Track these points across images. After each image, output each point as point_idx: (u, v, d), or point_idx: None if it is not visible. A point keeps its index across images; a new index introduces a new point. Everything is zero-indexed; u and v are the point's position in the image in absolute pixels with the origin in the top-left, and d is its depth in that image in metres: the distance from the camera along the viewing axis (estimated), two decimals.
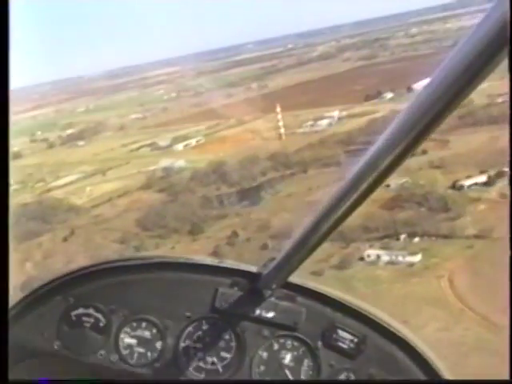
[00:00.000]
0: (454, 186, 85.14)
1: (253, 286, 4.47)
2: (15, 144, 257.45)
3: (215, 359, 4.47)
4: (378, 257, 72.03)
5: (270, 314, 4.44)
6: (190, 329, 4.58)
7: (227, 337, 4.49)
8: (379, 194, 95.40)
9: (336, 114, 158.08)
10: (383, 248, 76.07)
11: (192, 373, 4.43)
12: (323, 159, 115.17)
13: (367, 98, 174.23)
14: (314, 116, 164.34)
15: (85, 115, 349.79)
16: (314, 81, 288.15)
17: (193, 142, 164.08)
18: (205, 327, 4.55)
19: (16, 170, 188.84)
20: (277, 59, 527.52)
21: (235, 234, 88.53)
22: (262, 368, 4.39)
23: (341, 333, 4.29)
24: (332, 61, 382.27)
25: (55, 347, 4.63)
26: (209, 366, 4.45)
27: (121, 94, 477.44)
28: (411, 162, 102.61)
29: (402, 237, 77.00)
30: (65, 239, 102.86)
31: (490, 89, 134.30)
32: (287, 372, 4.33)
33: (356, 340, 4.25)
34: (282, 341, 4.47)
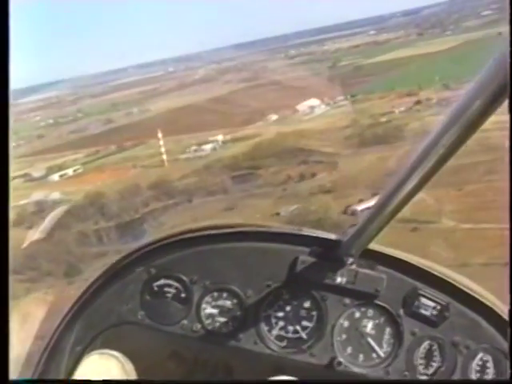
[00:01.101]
0: (347, 211, 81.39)
1: (333, 254, 4.39)
2: None
3: (297, 327, 4.52)
4: None
5: (351, 282, 4.37)
6: (270, 298, 4.61)
7: (308, 305, 4.54)
8: (268, 221, 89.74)
9: (220, 137, 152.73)
10: None
11: (273, 341, 4.54)
12: (208, 186, 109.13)
13: (251, 121, 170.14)
14: (198, 140, 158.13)
15: None
16: (197, 104, 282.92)
17: (69, 171, 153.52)
18: (285, 296, 4.59)
19: None
20: (158, 83, 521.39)
21: None
22: (344, 336, 4.42)
23: (423, 300, 4.21)
24: (214, 83, 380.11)
25: (139, 317, 4.87)
26: (290, 335, 4.53)
27: None
28: (301, 187, 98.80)
29: None
30: None
31: (372, 108, 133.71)
32: (369, 340, 4.32)
33: (439, 307, 4.18)
34: (363, 309, 4.47)
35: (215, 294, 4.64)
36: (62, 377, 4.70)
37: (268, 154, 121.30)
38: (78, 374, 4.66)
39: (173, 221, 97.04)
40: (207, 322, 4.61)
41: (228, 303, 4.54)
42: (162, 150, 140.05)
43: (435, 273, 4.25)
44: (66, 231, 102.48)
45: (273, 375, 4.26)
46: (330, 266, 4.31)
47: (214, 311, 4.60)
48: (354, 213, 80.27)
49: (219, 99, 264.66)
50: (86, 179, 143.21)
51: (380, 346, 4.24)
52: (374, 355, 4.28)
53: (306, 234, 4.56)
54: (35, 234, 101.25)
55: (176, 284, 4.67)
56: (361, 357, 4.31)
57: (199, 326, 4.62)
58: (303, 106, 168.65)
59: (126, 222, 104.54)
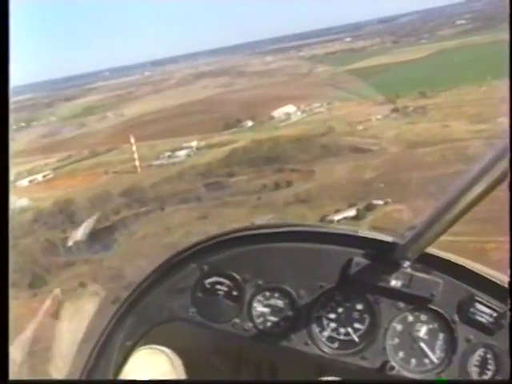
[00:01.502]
0: (323, 222, 79.21)
1: (388, 257, 4.22)
2: None
3: (349, 330, 4.35)
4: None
5: (405, 285, 4.19)
6: (323, 299, 4.45)
7: (361, 308, 4.35)
8: None
9: (194, 144, 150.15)
10: None
11: (324, 343, 4.35)
12: (181, 194, 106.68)
13: (226, 127, 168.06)
14: (172, 146, 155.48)
15: None
16: (173, 108, 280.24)
17: (39, 177, 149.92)
18: (338, 297, 4.42)
19: None
20: (134, 87, 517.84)
21: (83, 285, 77.42)
22: (396, 340, 4.24)
23: (479, 306, 4.05)
24: (190, 88, 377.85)
25: (190, 314, 4.76)
26: (341, 337, 4.34)
27: None
28: (276, 196, 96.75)
29: None
30: None
31: (349, 116, 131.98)
32: (422, 345, 4.17)
33: (495, 314, 4.00)
34: (416, 313, 4.28)
35: (267, 293, 4.41)
36: (111, 371, 4.63)
37: (243, 161, 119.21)
38: (127, 369, 4.60)
39: (144, 229, 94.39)
40: (258, 321, 4.39)
41: (280, 303, 4.33)
42: (135, 155, 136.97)
43: (493, 279, 3.99)
44: (34, 239, 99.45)
45: (320, 376, 4.21)
46: (385, 268, 4.07)
47: (266, 310, 4.39)
48: (330, 223, 78.42)
49: (195, 104, 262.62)
50: (56, 185, 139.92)
51: (433, 351, 4.05)
52: (427, 360, 4.08)
53: (360, 235, 4.28)
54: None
55: (228, 282, 4.48)
56: (413, 362, 4.10)
57: (250, 324, 4.42)
58: (279, 113, 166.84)
59: (96, 229, 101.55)
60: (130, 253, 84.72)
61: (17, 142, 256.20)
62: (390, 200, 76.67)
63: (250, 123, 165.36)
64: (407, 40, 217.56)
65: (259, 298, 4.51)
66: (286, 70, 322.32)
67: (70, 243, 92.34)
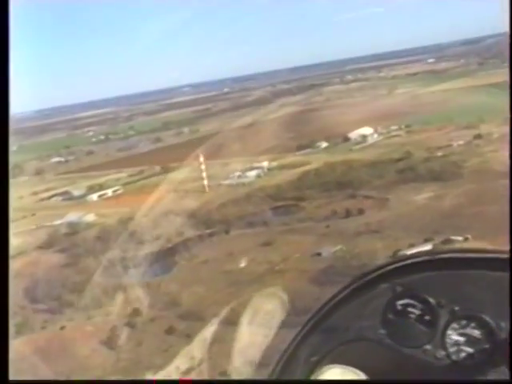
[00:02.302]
0: (395, 257, 73.15)
1: None
2: None
3: None
4: None
5: None
6: None
7: None
8: (308, 263, 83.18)
9: (266, 164, 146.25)
10: None
11: None
12: (248, 217, 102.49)
13: (300, 148, 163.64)
14: (243, 166, 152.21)
15: None
16: (248, 126, 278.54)
17: (109, 192, 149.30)
18: None
19: None
20: (211, 103, 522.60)
21: (137, 312, 74.11)
22: None
23: None
24: (266, 106, 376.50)
25: (379, 335, 4.60)
26: None
27: (48, 135, 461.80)
28: (346, 225, 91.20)
29: None
30: None
31: (428, 141, 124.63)
32: None
33: None
34: None
35: (463, 321, 4.06)
36: None
37: (314, 185, 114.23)
38: None
39: (206, 253, 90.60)
40: (452, 349, 4.03)
41: (477, 333, 3.92)
42: (204, 174, 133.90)
43: None
44: (95, 258, 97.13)
45: None
46: None
47: (461, 339, 4.00)
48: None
49: (270, 123, 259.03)
50: (124, 201, 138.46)
51: None
52: None
53: None
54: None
55: (421, 305, 4.21)
56: None
57: (443, 353, 4.07)
58: (355, 134, 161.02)
59: (157, 251, 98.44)
60: (189, 278, 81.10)
61: (95, 155, 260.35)
62: (469, 236, 70.19)
63: (324, 144, 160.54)
64: (493, 62, 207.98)
65: (454, 325, 4.09)
66: (365, 90, 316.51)
67: (130, 264, 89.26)
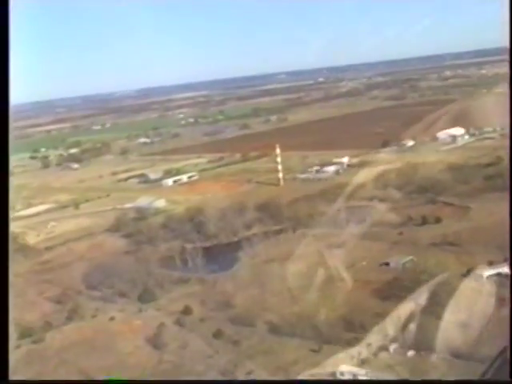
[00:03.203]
0: (469, 275, 66.14)
1: None
2: (13, 160, 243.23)
3: None
4: (354, 375, 52.87)
5: None
6: None
7: None
8: (374, 273, 77.07)
9: (346, 160, 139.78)
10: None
11: None
12: (319, 215, 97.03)
13: (385, 144, 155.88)
14: (322, 160, 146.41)
15: (97, 134, 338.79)
16: (336, 118, 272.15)
17: (184, 177, 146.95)
18: None
19: None
20: (304, 92, 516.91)
21: (188, 310, 70.51)
22: None
23: None
24: (359, 98, 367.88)
25: None
26: None
27: (141, 115, 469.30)
28: (421, 234, 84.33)
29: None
30: None
31: None
32: None
33: None
34: None
35: None
36: None
37: (393, 186, 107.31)
38: None
39: (270, 252, 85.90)
40: None
41: None
42: (279, 167, 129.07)
43: None
44: (156, 247, 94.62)
45: None
46: None
47: None
48: (478, 278, 65.19)
49: (359, 116, 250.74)
50: (197, 188, 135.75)
51: None
52: None
53: None
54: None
55: None
56: None
57: None
58: (444, 134, 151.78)
59: (221, 244, 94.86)
60: (247, 278, 76.75)
61: (180, 138, 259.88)
62: None
63: (410, 143, 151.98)
64: None
65: None
66: (462, 87, 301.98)
67: (190, 256, 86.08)
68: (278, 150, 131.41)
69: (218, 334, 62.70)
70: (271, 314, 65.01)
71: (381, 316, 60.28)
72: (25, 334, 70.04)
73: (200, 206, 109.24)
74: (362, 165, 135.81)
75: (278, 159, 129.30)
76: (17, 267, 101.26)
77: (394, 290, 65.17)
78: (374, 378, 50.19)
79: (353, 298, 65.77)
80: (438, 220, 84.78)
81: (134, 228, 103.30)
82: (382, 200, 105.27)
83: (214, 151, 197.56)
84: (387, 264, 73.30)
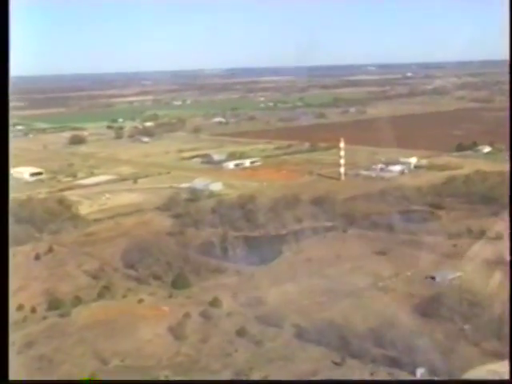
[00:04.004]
0: None
1: None
2: (90, 127, 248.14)
3: None
4: None
5: None
6: None
7: None
8: (418, 286, 72.05)
9: (414, 160, 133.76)
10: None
11: None
12: (374, 217, 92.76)
13: (459, 148, 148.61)
14: (389, 158, 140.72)
15: (176, 109, 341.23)
16: (416, 116, 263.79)
17: (247, 162, 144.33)
18: None
19: (62, 157, 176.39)
20: (390, 85, 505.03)
21: (217, 302, 67.88)
22: None
23: None
24: (444, 97, 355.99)
25: None
26: None
27: (223, 94, 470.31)
28: (477, 248, 78.47)
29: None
30: (37, 257, 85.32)
31: None
32: None
33: None
34: None
35: None
36: None
37: (458, 194, 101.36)
38: None
39: (314, 250, 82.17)
40: None
41: None
42: (342, 161, 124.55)
43: None
44: (201, 231, 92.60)
45: None
46: None
47: None
48: None
49: (439, 116, 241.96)
50: (257, 174, 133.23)
51: None
52: None
53: None
54: None
55: None
56: None
57: None
58: None
59: (268, 236, 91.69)
60: (285, 275, 73.41)
61: (256, 121, 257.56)
62: None
63: (486, 149, 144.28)
64: None
65: None
66: None
67: (232, 245, 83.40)
68: (342, 144, 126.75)
69: (241, 332, 59.87)
70: (300, 317, 61.68)
71: (415, 334, 56.03)
72: (53, 305, 69.49)
73: (254, 194, 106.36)
74: (430, 167, 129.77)
75: (342, 153, 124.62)
76: (63, 237, 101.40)
77: (435, 308, 60.53)
78: None
79: (389, 310, 61.55)
80: (498, 236, 78.88)
81: (183, 209, 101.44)
82: (441, 207, 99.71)
83: (284, 138, 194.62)
84: (433, 278, 68.47)
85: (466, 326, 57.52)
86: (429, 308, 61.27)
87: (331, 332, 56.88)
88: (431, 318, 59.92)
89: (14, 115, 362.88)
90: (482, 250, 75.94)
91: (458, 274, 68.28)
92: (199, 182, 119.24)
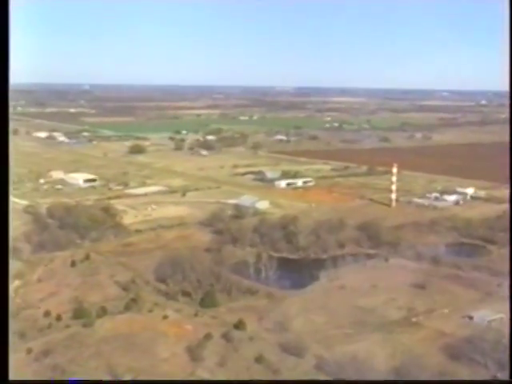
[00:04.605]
0: None
1: None
2: (153, 137, 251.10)
3: None
4: None
5: None
6: None
7: None
8: (453, 325, 67.73)
9: (471, 191, 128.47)
10: None
11: None
12: (419, 247, 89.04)
13: None
14: (446, 187, 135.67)
15: (241, 124, 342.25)
16: (483, 145, 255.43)
17: (299, 182, 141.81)
18: None
19: (119, 165, 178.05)
20: (461, 112, 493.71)
21: (242, 324, 65.69)
22: None
23: None
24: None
25: None
26: None
27: (291, 112, 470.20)
28: None
29: None
30: (73, 264, 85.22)
31: None
32: None
33: None
34: None
35: None
36: None
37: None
38: None
39: (350, 278, 78.92)
40: None
41: None
42: (393, 187, 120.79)
43: None
44: (239, 250, 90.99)
45: None
46: None
47: None
48: None
49: (508, 147, 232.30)
50: (307, 195, 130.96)
51: None
52: None
53: None
54: None
55: None
56: None
57: None
58: None
59: (307, 259, 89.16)
60: (316, 302, 70.65)
61: (317, 141, 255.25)
62: None
63: None
64: None
65: None
66: None
67: (266, 267, 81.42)
68: (394, 169, 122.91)
69: (260, 359, 57.47)
70: (323, 349, 58.85)
71: (442, 377, 52.45)
72: (78, 314, 68.75)
73: (299, 215, 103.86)
74: (487, 199, 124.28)
75: (393, 178, 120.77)
76: (102, 245, 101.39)
77: (467, 350, 56.61)
78: None
79: (418, 348, 58.04)
80: None
81: (225, 226, 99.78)
82: (493, 242, 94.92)
83: (343, 159, 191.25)
84: (471, 318, 64.43)
85: (499, 374, 53.58)
86: (461, 350, 57.42)
87: (351, 367, 53.84)
88: (461, 361, 56.08)
89: (83, 121, 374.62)
90: None
91: (500, 315, 64.01)
92: (247, 199, 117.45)
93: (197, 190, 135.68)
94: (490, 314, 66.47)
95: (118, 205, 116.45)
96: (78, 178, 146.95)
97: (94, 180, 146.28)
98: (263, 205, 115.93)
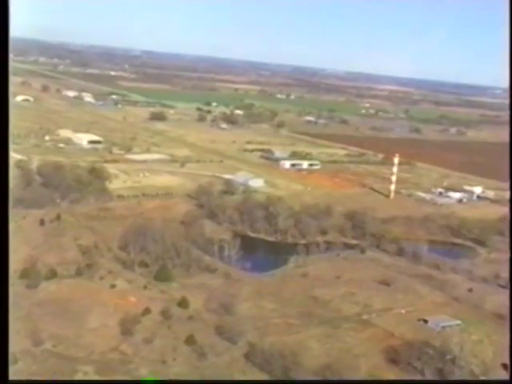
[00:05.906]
0: None
1: None
2: (180, 107, 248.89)
3: None
4: None
5: None
6: None
7: None
8: (405, 327, 63.03)
9: (478, 190, 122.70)
10: None
11: None
12: (403, 243, 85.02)
13: None
14: (454, 184, 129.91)
15: (276, 102, 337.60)
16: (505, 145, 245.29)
17: (304, 164, 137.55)
18: None
19: (133, 130, 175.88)
20: (506, 111, 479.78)
21: (185, 302, 62.68)
22: None
23: None
24: None
25: None
26: None
27: (332, 95, 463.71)
28: (495, 298, 68.61)
29: None
30: (42, 223, 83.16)
31: None
32: None
33: None
34: None
35: None
36: None
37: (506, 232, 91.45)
38: None
39: (317, 267, 75.31)
40: None
41: None
42: (393, 178, 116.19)
43: None
44: (210, 225, 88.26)
45: None
46: None
47: None
48: None
49: None
50: (308, 178, 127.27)
51: None
52: None
53: None
54: None
55: None
56: None
57: None
58: None
59: (281, 243, 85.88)
60: (270, 287, 67.21)
61: (346, 125, 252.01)
62: None
63: None
64: None
65: None
66: None
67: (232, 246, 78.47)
68: (396, 160, 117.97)
69: (190, 340, 54.54)
70: (259, 337, 55.61)
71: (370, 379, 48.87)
72: (26, 274, 66.67)
73: (288, 197, 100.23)
74: (494, 200, 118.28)
75: (394, 169, 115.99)
76: (78, 207, 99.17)
77: (408, 355, 52.67)
78: None
79: (358, 348, 54.37)
80: None
81: (212, 201, 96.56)
82: (484, 245, 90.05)
83: (363, 146, 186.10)
84: (425, 321, 60.31)
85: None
86: (402, 354, 53.46)
87: (279, 360, 50.52)
88: (399, 365, 52.17)
89: (118, 85, 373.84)
90: (496, 303, 66.40)
91: (456, 322, 59.81)
92: (241, 176, 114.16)
93: (198, 162, 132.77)
94: (446, 320, 62.04)
95: (112, 169, 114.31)
96: (83, 139, 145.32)
97: (98, 142, 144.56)
98: (257, 183, 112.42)
